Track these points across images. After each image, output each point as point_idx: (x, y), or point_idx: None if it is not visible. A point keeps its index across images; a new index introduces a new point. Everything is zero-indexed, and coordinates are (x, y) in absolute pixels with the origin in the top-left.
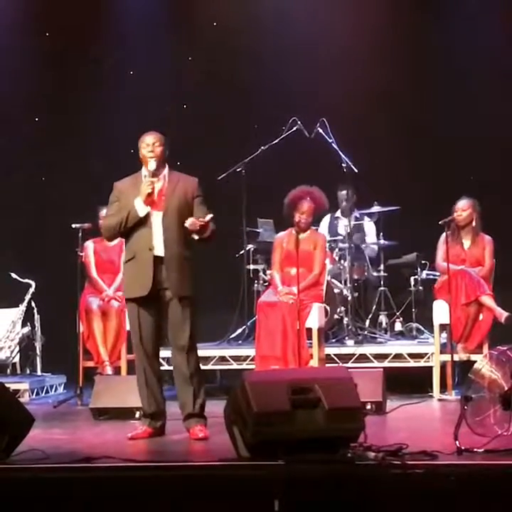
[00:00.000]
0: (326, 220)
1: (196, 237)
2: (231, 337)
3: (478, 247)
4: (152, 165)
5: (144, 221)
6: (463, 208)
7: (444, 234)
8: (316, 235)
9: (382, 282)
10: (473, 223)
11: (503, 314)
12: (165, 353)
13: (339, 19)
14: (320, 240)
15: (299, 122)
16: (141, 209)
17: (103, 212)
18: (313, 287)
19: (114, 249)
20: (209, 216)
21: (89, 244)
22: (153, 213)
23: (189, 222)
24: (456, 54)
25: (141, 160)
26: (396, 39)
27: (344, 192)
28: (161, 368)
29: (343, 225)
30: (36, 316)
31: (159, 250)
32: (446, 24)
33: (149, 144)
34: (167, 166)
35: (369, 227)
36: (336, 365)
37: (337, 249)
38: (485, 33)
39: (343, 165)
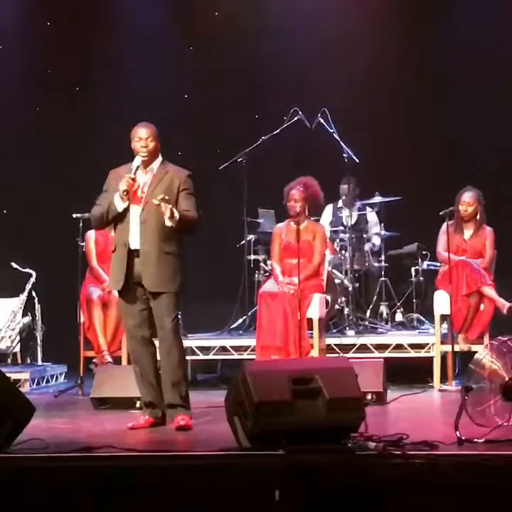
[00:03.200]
0: (328, 210)
1: (169, 223)
2: (232, 327)
3: (479, 238)
4: (137, 161)
5: (124, 215)
6: (469, 203)
7: (444, 224)
8: (315, 225)
9: (383, 273)
10: (478, 216)
11: (505, 305)
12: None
13: (341, 9)
14: (319, 230)
15: (300, 113)
16: (119, 204)
17: None
18: (313, 277)
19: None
20: (164, 197)
21: (91, 234)
22: (133, 207)
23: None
24: (460, 44)
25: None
26: (398, 29)
27: (345, 187)
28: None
29: (345, 216)
30: (37, 306)
31: (135, 244)
32: (451, 13)
33: (142, 138)
34: (160, 157)
35: (371, 217)
36: (337, 355)
37: (338, 240)
38: (490, 23)
39: (344, 155)
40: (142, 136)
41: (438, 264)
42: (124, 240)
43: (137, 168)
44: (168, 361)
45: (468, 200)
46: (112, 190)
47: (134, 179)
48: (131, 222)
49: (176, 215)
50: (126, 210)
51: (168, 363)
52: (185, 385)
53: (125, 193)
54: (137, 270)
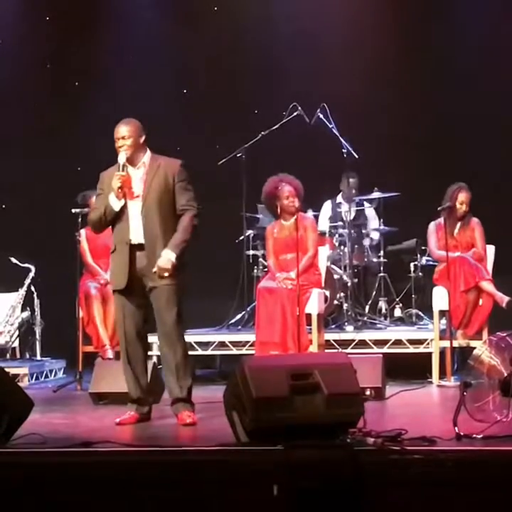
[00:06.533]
0: (327, 205)
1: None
2: (230, 322)
3: (468, 230)
4: (121, 158)
5: (121, 214)
6: (466, 202)
7: (432, 222)
8: (304, 217)
9: (381, 268)
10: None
11: (504, 299)
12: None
13: (343, 4)
14: (308, 222)
15: (299, 108)
16: (115, 203)
17: (93, 199)
18: (309, 269)
19: (106, 234)
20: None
21: (82, 233)
22: (131, 203)
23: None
24: (461, 41)
25: None
26: (400, 25)
27: (346, 176)
28: (150, 353)
29: (344, 211)
30: (36, 301)
31: (137, 239)
32: (452, 9)
33: (119, 138)
34: (148, 151)
35: (370, 212)
36: (336, 350)
37: (337, 235)
38: (491, 18)
39: (343, 151)
40: (118, 136)
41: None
42: (125, 238)
43: (124, 165)
44: (173, 356)
45: (465, 199)
46: (106, 190)
47: (124, 176)
48: (130, 219)
49: (173, 261)
50: (124, 207)
51: (172, 358)
52: (190, 379)
53: (119, 190)
54: (140, 264)
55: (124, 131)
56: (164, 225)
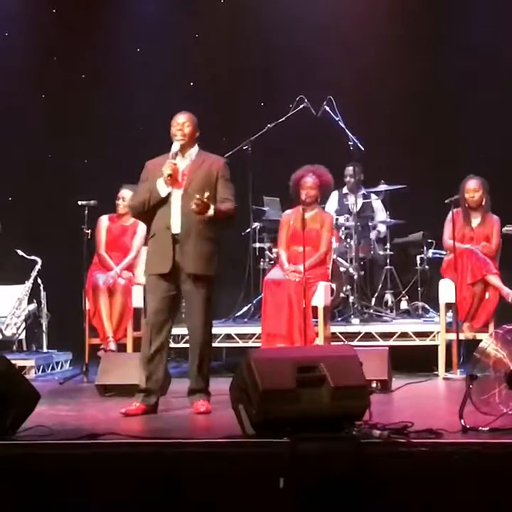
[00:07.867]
0: (333, 197)
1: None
2: (237, 315)
3: (486, 225)
4: (175, 146)
5: (165, 200)
6: (475, 189)
7: (451, 212)
8: (323, 213)
9: (388, 261)
10: (483, 203)
11: (510, 294)
12: (175, 330)
13: None
14: (327, 218)
15: (305, 100)
16: (163, 189)
17: (123, 192)
18: (319, 266)
19: (128, 230)
20: (206, 194)
21: (104, 221)
22: (174, 192)
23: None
24: (464, 32)
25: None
26: (403, 16)
27: (350, 168)
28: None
29: (351, 203)
30: (42, 293)
31: (176, 228)
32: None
33: (179, 123)
34: (197, 146)
35: (377, 205)
36: (342, 343)
37: (343, 228)
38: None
39: (349, 143)
40: (179, 122)
41: (443, 252)
42: (166, 225)
43: (176, 153)
44: (196, 347)
45: (473, 186)
46: (151, 178)
47: (176, 164)
48: (173, 207)
49: (211, 212)
50: (168, 195)
51: (195, 350)
52: (208, 371)
53: (169, 177)
54: (176, 253)
55: (185, 119)
56: (205, 218)
